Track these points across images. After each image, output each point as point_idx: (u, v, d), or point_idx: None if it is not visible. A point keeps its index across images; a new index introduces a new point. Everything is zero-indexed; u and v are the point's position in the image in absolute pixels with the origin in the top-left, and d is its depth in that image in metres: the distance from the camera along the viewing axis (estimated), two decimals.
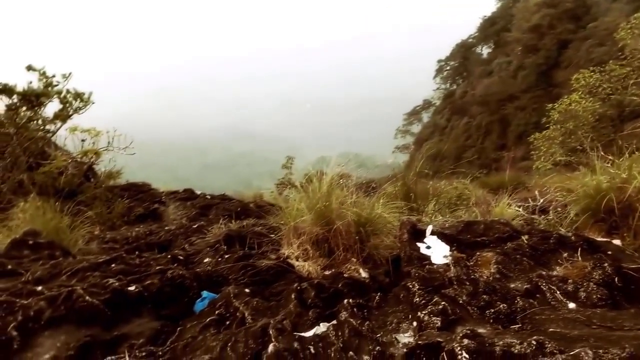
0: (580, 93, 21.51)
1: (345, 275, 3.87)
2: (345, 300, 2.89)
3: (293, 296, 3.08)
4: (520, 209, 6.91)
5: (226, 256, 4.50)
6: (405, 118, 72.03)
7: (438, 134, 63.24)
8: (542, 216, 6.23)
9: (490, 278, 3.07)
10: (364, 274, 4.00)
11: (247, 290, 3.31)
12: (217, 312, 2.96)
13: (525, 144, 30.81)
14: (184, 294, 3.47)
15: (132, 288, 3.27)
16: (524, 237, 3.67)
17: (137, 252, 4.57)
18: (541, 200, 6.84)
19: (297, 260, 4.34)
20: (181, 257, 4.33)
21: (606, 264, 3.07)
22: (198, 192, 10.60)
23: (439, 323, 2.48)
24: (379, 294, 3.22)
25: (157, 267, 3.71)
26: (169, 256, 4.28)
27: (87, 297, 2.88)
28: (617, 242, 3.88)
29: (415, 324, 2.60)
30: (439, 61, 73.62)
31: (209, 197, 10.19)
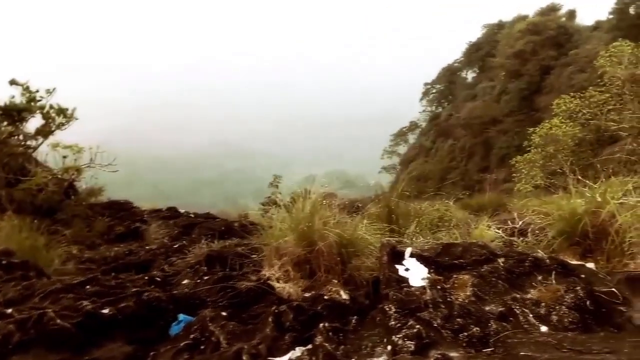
0: (560, 118, 21.94)
1: (325, 297, 3.85)
2: (321, 324, 2.88)
3: (270, 319, 3.07)
4: (500, 231, 6.96)
5: (205, 277, 4.46)
6: (392, 139, 72.68)
7: (423, 155, 63.83)
8: (521, 238, 6.28)
9: (466, 301, 3.09)
10: (344, 295, 3.98)
11: (224, 313, 3.29)
12: (191, 336, 2.94)
13: (507, 167, 31.19)
14: (159, 317, 3.44)
15: (106, 311, 3.23)
16: (500, 260, 3.69)
17: (113, 273, 4.52)
18: (520, 223, 6.89)
19: (278, 281, 4.32)
20: (159, 279, 4.30)
21: (579, 288, 3.10)
22: (181, 211, 10.52)
23: (413, 347, 2.49)
24: (355, 317, 3.22)
25: (134, 289, 3.68)
26: (147, 277, 4.24)
27: (59, 320, 2.84)
28: (591, 265, 3.92)
29: (389, 348, 2.61)
30: (426, 84, 74.71)
31: (192, 215, 10.12)
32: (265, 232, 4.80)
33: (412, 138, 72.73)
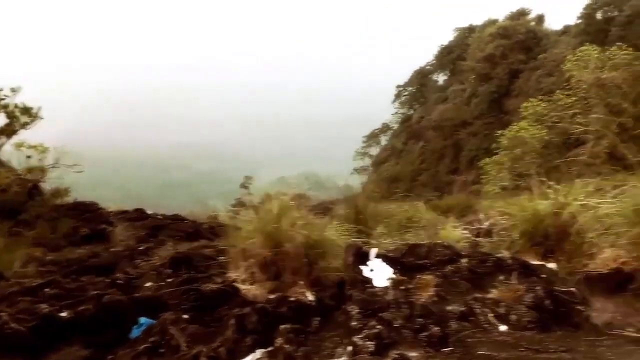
0: (528, 121, 22.38)
1: (291, 298, 3.83)
2: (282, 326, 2.87)
3: (232, 322, 3.04)
4: (466, 232, 7.07)
5: (169, 280, 4.39)
6: (364, 140, 73.03)
7: (395, 157, 64.24)
8: (487, 239, 6.38)
9: (429, 301, 3.12)
10: (311, 297, 3.97)
11: (185, 316, 3.24)
12: (151, 339, 2.89)
13: (476, 169, 31.63)
14: (120, 320, 3.36)
15: (64, 314, 3.16)
16: (464, 260, 3.74)
17: (74, 276, 4.42)
18: (486, 224, 7.01)
19: (244, 283, 4.28)
20: (121, 281, 4.22)
21: (539, 287, 3.16)
22: (149, 212, 10.36)
23: (373, 347, 2.49)
24: (318, 318, 3.21)
25: (94, 292, 3.60)
26: (108, 280, 4.16)
27: (13, 324, 2.77)
28: (552, 265, 4.00)
29: (350, 348, 2.61)
30: (398, 86, 75.22)
31: (160, 217, 9.97)
32: (232, 234, 4.75)
33: (384, 140, 73.20)
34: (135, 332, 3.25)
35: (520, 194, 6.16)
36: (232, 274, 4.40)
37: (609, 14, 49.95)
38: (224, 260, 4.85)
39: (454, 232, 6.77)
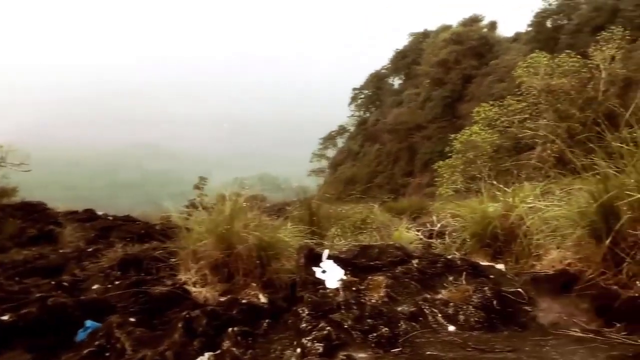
0: (480, 125, 22.98)
1: (243, 300, 3.79)
2: (230, 329, 2.83)
3: (180, 325, 2.98)
4: (419, 233, 7.17)
5: (117, 282, 4.28)
6: (321, 142, 73.37)
7: (351, 159, 64.76)
8: (439, 240, 6.49)
9: (379, 302, 3.13)
10: (263, 299, 3.94)
11: (132, 319, 3.16)
12: (96, 343, 2.81)
13: (430, 171, 32.24)
14: (65, 324, 3.25)
15: (5, 317, 3.03)
16: (415, 262, 3.78)
17: (18, 278, 4.25)
18: (438, 225, 7.13)
19: (195, 286, 4.21)
20: (67, 284, 4.08)
21: (487, 288, 3.22)
22: (100, 213, 10.11)
23: (321, 349, 2.48)
24: (267, 320, 3.18)
25: (38, 295, 3.47)
26: (54, 282, 4.02)
27: None
28: (500, 266, 4.09)
29: (299, 350, 2.59)
30: (354, 89, 75.86)
31: (110, 218, 9.74)
32: (184, 236, 4.67)
33: (340, 142, 73.71)
34: (80, 336, 3.15)
35: (472, 197, 6.30)
36: (182, 276, 4.33)
37: (559, 22, 51.89)
38: (175, 263, 4.76)
39: (407, 234, 6.87)
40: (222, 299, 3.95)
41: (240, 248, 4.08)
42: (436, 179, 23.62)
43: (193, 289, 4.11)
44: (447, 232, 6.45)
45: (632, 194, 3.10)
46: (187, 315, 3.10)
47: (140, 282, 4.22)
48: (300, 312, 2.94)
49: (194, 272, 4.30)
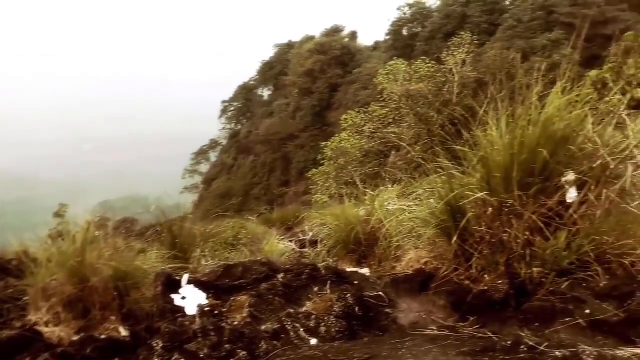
0: (349, 132, 23.72)
1: (102, 336, 3.48)
2: None
3: None
4: (292, 244, 7.14)
5: None
6: (192, 158, 71.65)
7: (226, 172, 64.05)
8: (312, 249, 6.49)
9: (242, 323, 3.01)
10: (124, 332, 3.64)
11: None
12: None
13: (306, 180, 32.73)
14: None
15: None
16: (280, 276, 3.69)
17: None
18: (310, 234, 7.15)
19: (47, 326, 3.81)
20: None
21: (349, 295, 3.22)
22: None
23: None
24: (125, 356, 2.94)
25: None
26: None
27: None
28: (365, 270, 4.14)
29: None
30: (224, 102, 75.19)
31: None
32: (32, 271, 4.22)
33: (213, 156, 72.60)
34: None
35: (347, 202, 6.40)
36: (33, 317, 3.89)
37: (414, 30, 55.48)
38: (25, 302, 4.29)
39: (279, 246, 6.80)
40: (76, 337, 3.61)
41: (94, 280, 3.75)
42: (311, 187, 23.97)
43: (45, 330, 3.71)
44: (318, 240, 6.48)
45: (473, 193, 3.27)
46: None
47: None
48: (155, 345, 2.74)
49: (46, 310, 3.89)
